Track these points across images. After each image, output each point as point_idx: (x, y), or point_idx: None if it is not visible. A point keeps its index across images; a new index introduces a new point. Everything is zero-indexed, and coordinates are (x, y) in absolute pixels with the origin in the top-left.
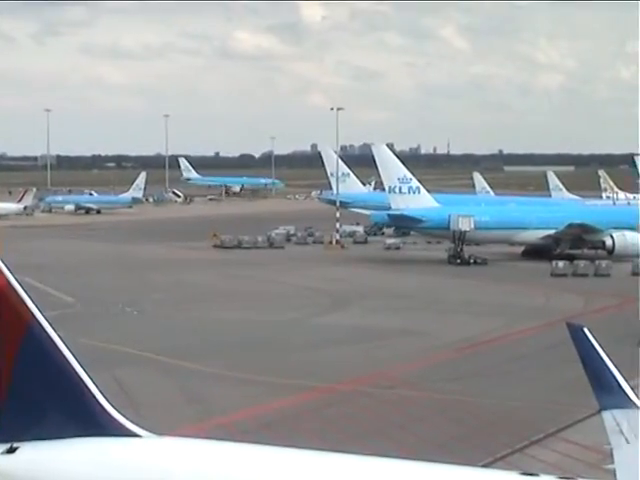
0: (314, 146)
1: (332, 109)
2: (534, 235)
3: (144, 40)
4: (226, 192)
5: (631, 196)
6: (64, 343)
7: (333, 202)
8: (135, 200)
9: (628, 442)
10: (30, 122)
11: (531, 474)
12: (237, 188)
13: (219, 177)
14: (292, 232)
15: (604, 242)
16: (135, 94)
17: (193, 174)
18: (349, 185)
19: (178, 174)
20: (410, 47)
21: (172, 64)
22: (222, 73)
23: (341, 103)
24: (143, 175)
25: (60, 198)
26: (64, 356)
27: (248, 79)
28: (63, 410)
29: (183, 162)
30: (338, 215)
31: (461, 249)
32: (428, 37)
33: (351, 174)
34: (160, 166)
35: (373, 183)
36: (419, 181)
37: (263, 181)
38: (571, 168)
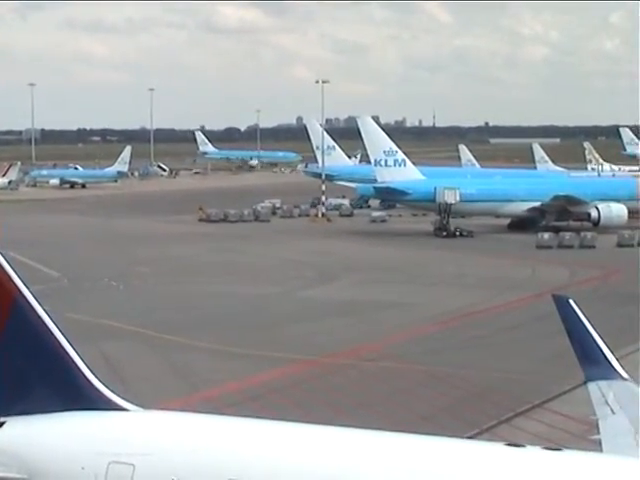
0: (299, 119)
1: (317, 82)
2: (520, 207)
3: (127, 14)
4: (240, 166)
5: (616, 168)
6: (50, 318)
7: (319, 175)
8: (120, 174)
9: (614, 413)
10: (14, 96)
11: (517, 445)
12: (255, 162)
13: (236, 151)
14: (278, 205)
15: (589, 214)
16: (119, 68)
17: (209, 148)
18: (335, 158)
19: (194, 148)
20: (394, 20)
21: (156, 38)
22: (206, 47)
23: (326, 76)
24: (128, 149)
25: (45, 172)
26: (51, 331)
27: (232, 52)
28: (50, 385)
29: (200, 136)
30: (324, 188)
31: (447, 221)
32: (411, 10)
33: (337, 147)
34: (145, 140)
35: (359, 156)
36: (405, 154)
37: (280, 154)
38: (557, 140)
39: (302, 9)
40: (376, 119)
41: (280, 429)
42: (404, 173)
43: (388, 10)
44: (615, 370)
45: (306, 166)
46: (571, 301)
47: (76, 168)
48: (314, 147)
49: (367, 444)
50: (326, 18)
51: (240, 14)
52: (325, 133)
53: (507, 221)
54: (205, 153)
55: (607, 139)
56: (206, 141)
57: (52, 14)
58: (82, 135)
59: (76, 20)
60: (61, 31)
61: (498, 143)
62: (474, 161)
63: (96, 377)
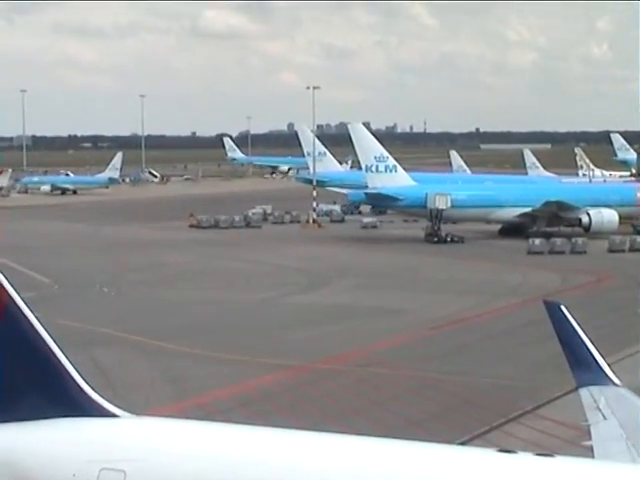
0: (291, 125)
1: (308, 88)
2: (511, 213)
3: (112, 19)
4: (272, 172)
5: (607, 173)
6: (41, 324)
7: (310, 181)
8: (111, 180)
9: (605, 419)
10: (5, 102)
11: (509, 451)
12: (285, 168)
13: (264, 157)
14: (269, 211)
15: (580, 219)
16: (108, 73)
17: (238, 154)
18: (326, 164)
19: (222, 153)
20: (380, 24)
21: (144, 43)
22: (194, 52)
23: (315, 82)
24: (119, 155)
25: (36, 179)
26: (42, 337)
27: (220, 58)
28: (41, 391)
29: (228, 142)
30: (315, 194)
31: (438, 227)
32: (397, 15)
33: (328, 153)
34: (136, 146)
35: (350, 162)
36: (396, 160)
37: None
38: (548, 146)
39: (287, 14)
40: (367, 125)
41: (271, 436)
42: (395, 179)
43: (373, 15)
44: (607, 376)
45: (297, 172)
46: (562, 307)
47: (67, 174)
48: (305, 153)
49: (358, 451)
50: (311, 23)
51: (226, 20)
52: (316, 139)
53: (498, 227)
54: (234, 159)
55: (588, 145)
56: (234, 147)
57: (38, 17)
58: (73, 141)
59: (63, 24)
60: (48, 35)
61: (489, 149)
62: (465, 167)
63: (87, 383)
